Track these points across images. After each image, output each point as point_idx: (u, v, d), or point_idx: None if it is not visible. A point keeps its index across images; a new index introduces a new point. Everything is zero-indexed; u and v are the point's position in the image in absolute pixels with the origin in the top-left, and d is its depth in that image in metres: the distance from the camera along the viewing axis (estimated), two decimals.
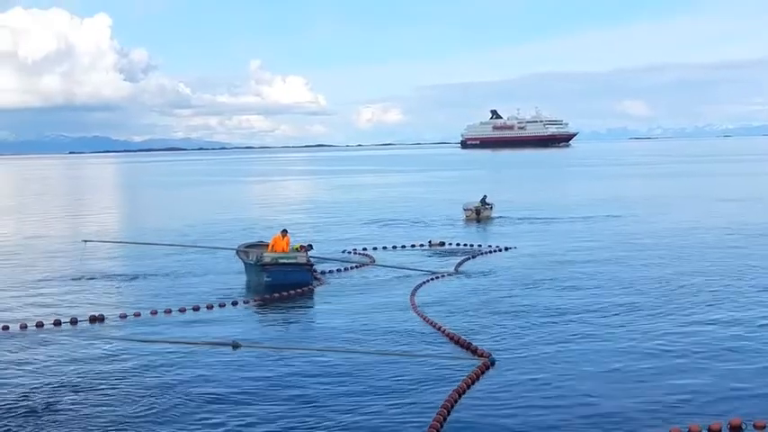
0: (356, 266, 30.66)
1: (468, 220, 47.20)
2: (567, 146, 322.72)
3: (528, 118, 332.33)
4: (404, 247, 36.06)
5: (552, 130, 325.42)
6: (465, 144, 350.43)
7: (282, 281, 26.02)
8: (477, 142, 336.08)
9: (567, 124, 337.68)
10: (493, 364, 16.59)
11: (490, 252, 33.70)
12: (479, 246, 35.44)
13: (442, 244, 36.17)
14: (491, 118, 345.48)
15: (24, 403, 14.65)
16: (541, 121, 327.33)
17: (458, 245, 36.06)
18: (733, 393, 14.74)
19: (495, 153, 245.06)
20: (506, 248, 34.41)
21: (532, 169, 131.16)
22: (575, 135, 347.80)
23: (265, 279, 26.46)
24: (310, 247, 28.77)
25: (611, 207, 53.42)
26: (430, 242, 36.62)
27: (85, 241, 33.27)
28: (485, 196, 49.28)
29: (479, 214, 47.38)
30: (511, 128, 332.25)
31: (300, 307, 24.22)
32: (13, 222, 56.27)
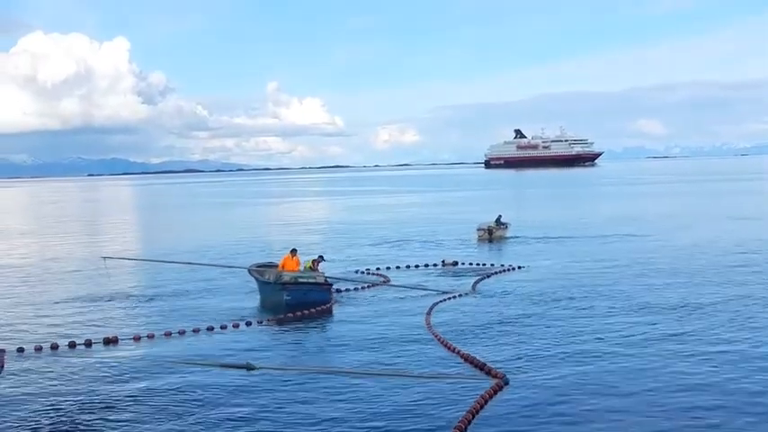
0: (370, 286, 30.77)
1: (480, 240, 47.19)
2: (593, 165, 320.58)
3: (552, 137, 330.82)
4: (417, 266, 36.11)
5: (577, 149, 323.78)
6: (489, 164, 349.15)
7: (302, 300, 26.23)
8: (501, 162, 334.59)
9: (592, 143, 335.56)
10: (506, 384, 16.58)
11: (503, 271, 33.69)
12: (492, 265, 35.46)
13: (455, 264, 36.18)
14: (515, 137, 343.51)
15: (36, 425, 14.68)
16: (566, 140, 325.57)
17: (470, 264, 36.07)
18: (753, 416, 14.66)
19: (518, 173, 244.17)
20: (519, 267, 34.51)
21: (553, 188, 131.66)
22: (600, 154, 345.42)
23: (285, 298, 26.55)
24: (322, 258, 29.09)
25: (628, 226, 53.25)
26: (443, 262, 36.61)
27: (105, 258, 33.55)
28: (499, 216, 49.43)
29: (492, 234, 47.37)
30: (535, 147, 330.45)
31: (315, 327, 24.21)
32: (33, 243, 56.59)
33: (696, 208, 73.15)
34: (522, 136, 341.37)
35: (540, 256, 39.35)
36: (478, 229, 48.31)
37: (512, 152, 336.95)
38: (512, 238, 47.91)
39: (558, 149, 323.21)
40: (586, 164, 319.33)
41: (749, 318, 23.20)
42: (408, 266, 36.10)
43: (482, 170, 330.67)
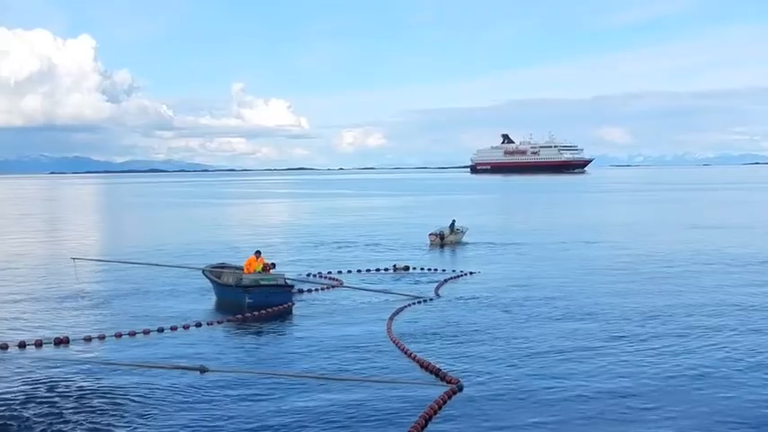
0: (325, 288, 31.15)
1: (432, 245, 47.48)
2: (583, 172, 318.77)
3: (541, 143, 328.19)
4: (369, 270, 36.30)
5: (567, 155, 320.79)
6: (475, 169, 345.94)
7: (263, 302, 26.48)
8: (488, 167, 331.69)
9: (581, 150, 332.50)
10: (461, 390, 16.65)
11: (455, 277, 33.90)
12: (443, 270, 35.82)
13: (407, 268, 36.41)
14: (502, 142, 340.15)
15: None
16: (555, 147, 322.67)
17: (422, 269, 36.39)
18: (706, 424, 14.93)
19: (505, 178, 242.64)
20: (470, 273, 34.90)
21: (528, 194, 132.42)
22: (590, 161, 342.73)
23: (247, 301, 26.73)
24: (273, 265, 29.51)
25: (588, 233, 54.18)
26: (395, 266, 36.85)
27: (74, 259, 33.79)
28: (453, 221, 49.80)
29: (443, 239, 47.62)
30: (523, 153, 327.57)
31: (272, 330, 24.21)
32: None
33: (658, 216, 74.29)
34: (510, 141, 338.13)
35: (493, 262, 39.82)
36: (430, 234, 48.61)
37: (499, 157, 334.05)
38: (466, 243, 48.29)
39: (547, 156, 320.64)
40: (576, 171, 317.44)
41: (706, 322, 23.78)
42: (360, 270, 36.23)
43: (467, 175, 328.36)
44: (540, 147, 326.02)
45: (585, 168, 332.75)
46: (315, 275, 34.66)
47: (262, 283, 27.44)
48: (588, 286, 31.44)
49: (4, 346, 21.11)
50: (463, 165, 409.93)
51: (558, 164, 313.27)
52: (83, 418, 15.03)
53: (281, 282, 27.85)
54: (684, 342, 21.40)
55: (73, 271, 33.32)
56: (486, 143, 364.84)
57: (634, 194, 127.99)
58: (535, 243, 48.51)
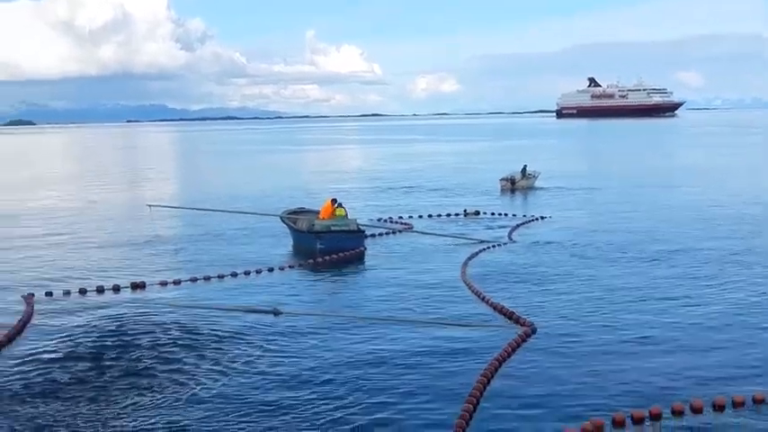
0: (396, 232, 31.29)
1: (503, 190, 47.05)
2: (673, 115, 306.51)
3: (629, 86, 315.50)
4: (439, 215, 36.19)
5: (656, 98, 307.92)
6: (560, 113, 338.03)
7: (335, 247, 26.69)
8: (574, 111, 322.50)
9: (671, 93, 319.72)
10: (534, 332, 16.57)
11: (527, 222, 33.60)
12: (514, 215, 35.49)
13: (477, 213, 36.22)
14: (589, 86, 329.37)
15: (60, 368, 14.83)
16: (644, 90, 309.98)
17: (492, 214, 36.08)
18: None
19: (591, 123, 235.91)
20: (542, 218, 34.55)
21: (605, 139, 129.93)
22: (680, 105, 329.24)
23: (319, 246, 26.98)
24: (345, 213, 29.54)
25: (668, 176, 53.56)
26: (465, 211, 36.69)
27: (150, 206, 34.39)
28: (525, 166, 49.19)
29: (514, 184, 47.20)
30: (611, 96, 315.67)
31: (345, 274, 24.43)
32: (74, 189, 57.15)
33: (746, 160, 72.33)
34: (597, 84, 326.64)
35: (565, 206, 39.42)
36: (501, 179, 48.18)
37: (585, 101, 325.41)
38: (538, 188, 47.83)
39: (635, 99, 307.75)
40: (666, 114, 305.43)
41: None
42: (431, 215, 36.20)
43: (551, 120, 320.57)
44: (629, 90, 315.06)
45: (676, 112, 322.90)
46: (386, 220, 34.72)
47: (333, 228, 27.62)
48: (664, 230, 30.89)
49: (83, 291, 21.57)
50: (539, 109, 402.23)
51: (647, 107, 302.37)
52: (161, 358, 15.31)
53: (352, 227, 28.00)
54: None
55: (149, 218, 33.92)
56: (567, 88, 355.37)
57: (720, 138, 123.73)
58: (611, 187, 47.87)
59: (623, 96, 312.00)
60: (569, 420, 11.98)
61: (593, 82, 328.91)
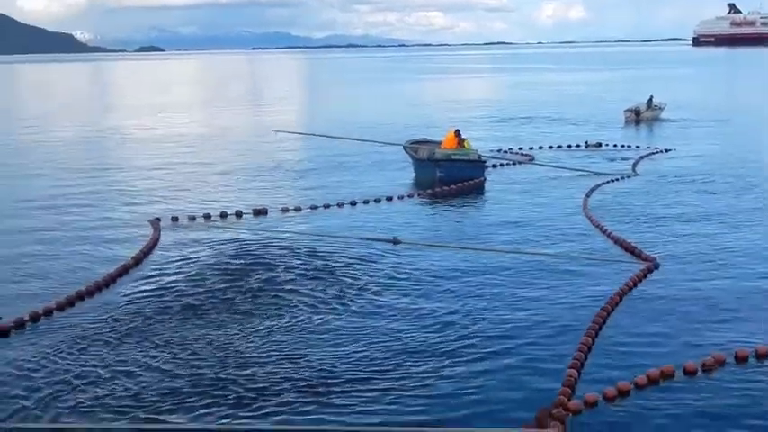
0: (516, 163, 31.05)
1: (627, 121, 45.81)
2: None
3: None
4: (560, 147, 35.62)
5: None
6: (697, 41, 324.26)
7: (455, 176, 26.56)
8: (712, 39, 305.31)
9: None
10: (657, 267, 16.25)
11: (651, 154, 32.73)
12: (637, 147, 34.63)
13: (599, 145, 35.45)
14: (729, 12, 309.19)
15: (188, 293, 15.18)
16: None
17: (615, 146, 35.27)
18: None
19: (730, 52, 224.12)
20: (666, 150, 33.66)
21: (743, 69, 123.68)
22: None
23: (438, 174, 27.00)
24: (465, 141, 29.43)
25: None
26: (586, 143, 35.92)
27: (276, 131, 34.99)
28: (651, 97, 47.65)
29: (639, 115, 45.83)
30: (752, 23, 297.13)
31: (465, 205, 24.30)
32: (203, 114, 58.91)
33: None
34: (737, 11, 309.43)
35: (691, 139, 38.14)
36: (625, 111, 46.83)
37: (724, 29, 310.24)
38: (665, 120, 46.44)
39: None
40: None
41: None
42: (551, 147, 35.68)
43: (687, 48, 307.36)
44: None
45: None
46: (507, 151, 34.41)
47: (453, 157, 27.53)
48: None
49: (207, 216, 22.10)
50: (672, 37, 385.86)
51: None
52: (281, 284, 15.58)
53: (473, 156, 27.83)
54: None
55: (274, 144, 34.55)
56: (705, 14, 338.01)
57: None
58: (744, 121, 46.12)
59: (765, 24, 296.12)
60: (690, 355, 11.77)
61: (733, 8, 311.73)
